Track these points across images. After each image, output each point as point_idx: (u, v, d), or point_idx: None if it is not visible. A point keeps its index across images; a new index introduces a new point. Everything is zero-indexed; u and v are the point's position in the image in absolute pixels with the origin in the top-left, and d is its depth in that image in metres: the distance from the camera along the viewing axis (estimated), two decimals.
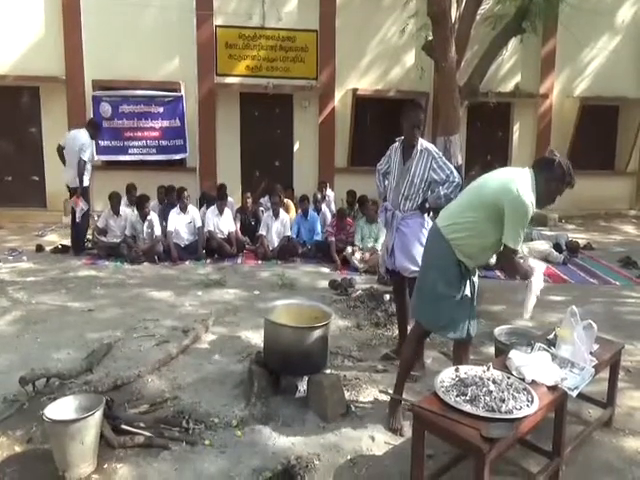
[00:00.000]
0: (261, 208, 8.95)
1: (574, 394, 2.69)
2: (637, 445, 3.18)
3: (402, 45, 10.95)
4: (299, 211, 8.55)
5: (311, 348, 3.55)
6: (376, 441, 3.17)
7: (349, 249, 7.40)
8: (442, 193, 3.82)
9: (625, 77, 11.81)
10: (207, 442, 3.09)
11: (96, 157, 8.65)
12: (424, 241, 3.53)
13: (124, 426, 3.08)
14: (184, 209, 7.83)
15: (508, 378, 2.63)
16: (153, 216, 7.71)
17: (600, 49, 11.73)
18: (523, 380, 2.64)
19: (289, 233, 8.04)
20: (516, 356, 2.80)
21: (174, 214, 7.79)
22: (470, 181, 3.23)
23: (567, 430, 2.89)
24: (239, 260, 7.75)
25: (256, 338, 4.58)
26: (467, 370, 2.70)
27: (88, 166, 7.74)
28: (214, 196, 8.39)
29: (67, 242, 8.13)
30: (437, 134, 6.87)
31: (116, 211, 7.83)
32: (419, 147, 3.88)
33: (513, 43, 10.05)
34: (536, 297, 3.04)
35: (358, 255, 7.29)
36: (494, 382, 2.57)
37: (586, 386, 2.81)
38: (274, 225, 8.02)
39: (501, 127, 12.00)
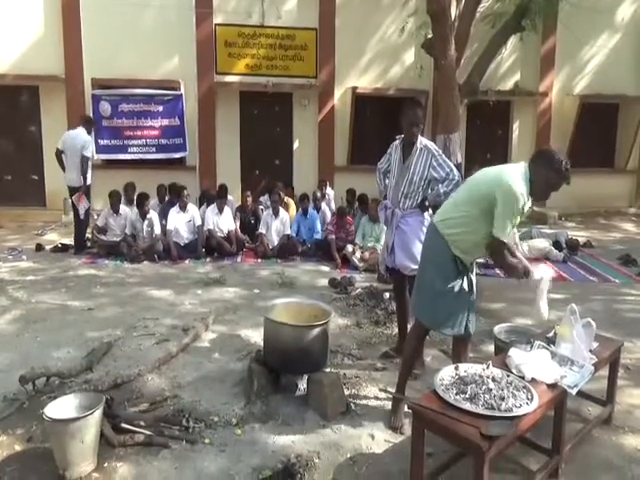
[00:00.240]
0: (261, 206, 8.95)
1: (573, 392, 2.70)
2: (636, 442, 3.18)
3: (402, 43, 10.94)
4: (299, 209, 8.55)
5: (311, 346, 3.55)
6: (376, 439, 3.17)
7: (349, 247, 7.40)
8: (442, 191, 3.82)
9: (625, 75, 11.80)
10: (207, 441, 3.09)
11: (96, 156, 8.66)
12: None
13: (124, 425, 3.08)
14: (184, 208, 7.82)
15: (508, 376, 2.64)
16: (153, 215, 7.71)
17: (600, 47, 11.72)
18: (523, 378, 2.65)
19: (289, 232, 8.04)
20: (516, 354, 2.81)
21: (174, 213, 7.79)
22: None
23: (567, 428, 2.90)
24: (239, 259, 7.75)
25: (256, 336, 4.59)
26: (467, 368, 2.71)
27: (90, 163, 7.81)
28: (214, 195, 8.39)
29: (67, 241, 8.15)
30: (437, 132, 6.86)
31: (116, 210, 7.82)
32: (419, 145, 3.88)
33: (513, 41, 10.03)
34: (546, 298, 3.03)
35: (358, 254, 7.29)
36: (494, 380, 2.58)
37: (585, 384, 2.81)
38: (274, 224, 8.02)
39: (501, 125, 11.99)
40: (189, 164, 10.63)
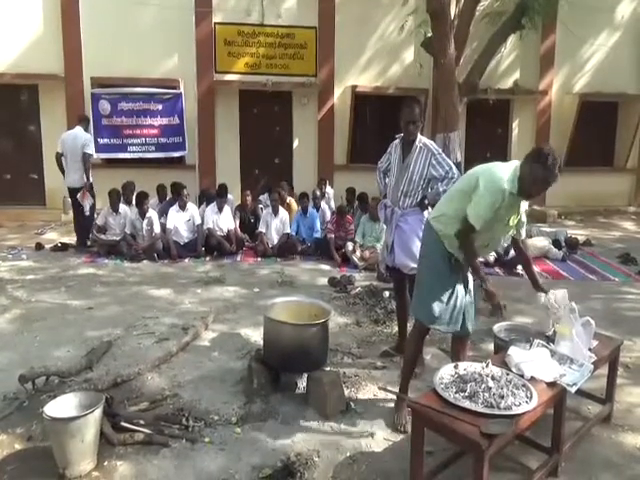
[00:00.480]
0: (260, 205, 8.95)
1: (573, 390, 2.70)
2: (636, 441, 3.18)
3: (401, 42, 10.94)
4: (298, 208, 8.55)
5: (310, 345, 3.56)
6: (376, 438, 3.18)
7: (349, 246, 7.39)
8: (441, 190, 3.81)
9: (624, 73, 11.80)
10: (207, 439, 3.10)
11: (95, 155, 8.66)
12: None
13: (124, 423, 3.08)
14: (183, 207, 7.82)
15: (507, 374, 2.64)
16: (152, 214, 7.71)
17: (599, 45, 11.71)
18: (522, 376, 2.65)
19: (288, 230, 8.03)
20: (515, 352, 2.81)
21: (173, 212, 7.78)
22: None
23: (566, 426, 2.90)
24: (238, 257, 7.74)
25: (256, 335, 4.59)
26: (466, 366, 2.71)
27: (91, 159, 7.94)
28: (213, 194, 8.39)
29: (66, 240, 8.15)
30: (436, 131, 6.87)
31: (115, 209, 7.82)
32: (418, 144, 3.88)
33: (512, 40, 10.02)
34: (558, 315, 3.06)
35: (358, 253, 7.28)
36: (493, 378, 2.58)
37: (585, 382, 2.81)
38: (273, 222, 8.02)
39: (500, 124, 11.98)
40: (189, 163, 10.61)
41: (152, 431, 3.09)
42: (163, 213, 7.95)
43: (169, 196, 8.44)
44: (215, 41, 10.52)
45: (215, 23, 10.47)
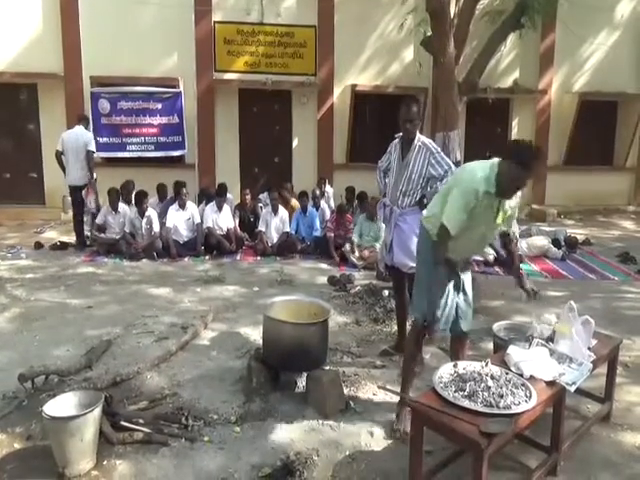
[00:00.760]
0: (260, 204, 8.94)
1: (572, 389, 2.70)
2: (635, 440, 3.19)
3: (401, 41, 10.91)
4: (298, 207, 8.54)
5: (310, 344, 3.56)
6: (375, 437, 3.18)
7: (347, 246, 7.37)
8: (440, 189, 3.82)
9: (624, 72, 11.78)
10: (206, 438, 3.10)
11: (95, 154, 8.67)
12: None
13: (123, 422, 3.08)
14: (183, 205, 7.82)
15: (506, 374, 2.64)
16: (152, 212, 7.70)
17: (599, 44, 11.70)
18: (521, 375, 2.65)
19: (288, 229, 8.03)
20: (514, 352, 2.81)
21: (173, 211, 7.78)
22: None
23: (565, 425, 2.90)
24: (238, 256, 7.74)
25: (255, 334, 4.59)
26: (465, 366, 2.71)
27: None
28: (213, 192, 8.38)
29: (66, 239, 8.14)
30: (436, 130, 6.86)
31: (115, 208, 7.81)
32: (417, 142, 3.88)
33: (512, 39, 9.99)
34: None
35: (357, 252, 7.26)
36: (492, 378, 2.58)
37: (584, 381, 2.82)
38: (273, 221, 8.02)
39: (500, 123, 11.97)
40: (188, 162, 10.61)
41: (151, 430, 3.09)
42: (164, 212, 7.93)
43: (170, 195, 8.44)
44: (215, 40, 10.51)
45: (215, 22, 10.46)
